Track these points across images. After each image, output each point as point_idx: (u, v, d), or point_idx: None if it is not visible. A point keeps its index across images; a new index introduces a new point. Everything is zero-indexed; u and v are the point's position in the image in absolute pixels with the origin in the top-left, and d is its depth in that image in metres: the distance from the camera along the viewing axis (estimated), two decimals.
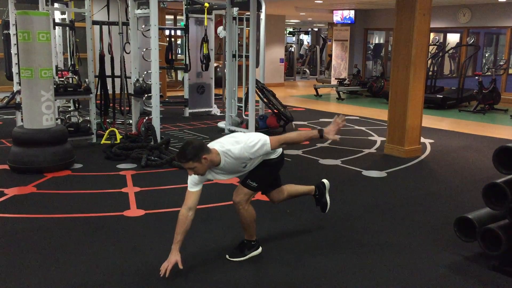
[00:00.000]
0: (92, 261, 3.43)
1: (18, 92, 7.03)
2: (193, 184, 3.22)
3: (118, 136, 7.05)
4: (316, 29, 26.77)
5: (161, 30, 9.22)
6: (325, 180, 3.99)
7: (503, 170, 3.37)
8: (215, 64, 12.39)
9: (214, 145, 3.19)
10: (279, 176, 3.66)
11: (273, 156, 3.39)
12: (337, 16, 15.42)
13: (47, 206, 4.52)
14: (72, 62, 8.06)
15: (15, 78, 7.32)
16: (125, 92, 7.85)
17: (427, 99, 9.98)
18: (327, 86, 15.24)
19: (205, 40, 8.76)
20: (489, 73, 11.66)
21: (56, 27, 7.89)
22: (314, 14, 16.71)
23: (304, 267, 3.40)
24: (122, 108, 8.05)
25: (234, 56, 8.48)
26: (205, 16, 8.61)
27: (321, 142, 7.31)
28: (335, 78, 15.43)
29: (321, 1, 13.03)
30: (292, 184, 3.83)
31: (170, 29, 11.48)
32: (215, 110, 10.45)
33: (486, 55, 16.86)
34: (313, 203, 4.76)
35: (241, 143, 3.15)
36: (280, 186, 3.69)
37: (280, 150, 3.44)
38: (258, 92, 8.11)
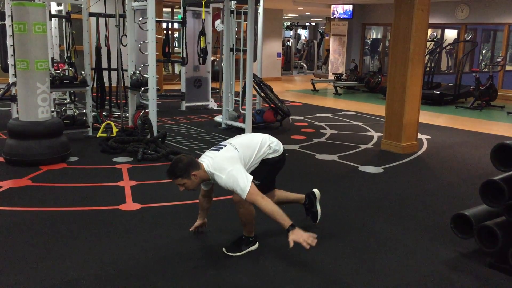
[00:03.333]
0: (88, 254, 3.41)
1: (14, 84, 6.97)
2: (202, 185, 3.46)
3: (114, 129, 7.02)
4: (313, 24, 26.70)
5: (158, 23, 9.16)
6: (315, 190, 3.96)
7: (501, 167, 3.36)
8: (212, 58, 12.34)
9: (204, 160, 3.26)
10: (274, 179, 3.66)
11: (275, 155, 3.44)
12: (339, 8, 15.36)
13: (43, 199, 4.49)
14: (68, 54, 8.02)
15: (11, 70, 7.26)
16: (122, 85, 7.81)
17: (424, 95, 9.98)
18: (324, 81, 15.24)
19: (202, 33, 8.72)
20: (486, 70, 11.66)
21: (52, 18, 7.83)
22: (311, 9, 16.67)
23: (300, 262, 3.39)
24: (119, 101, 8.01)
25: (231, 50, 8.44)
26: (203, 9, 8.56)
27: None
28: (332, 73, 15.41)
29: None
30: (283, 191, 3.82)
31: (167, 22, 11.39)
32: (212, 104, 10.42)
33: (484, 51, 16.86)
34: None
35: (225, 172, 3.11)
36: (272, 190, 3.67)
37: (281, 148, 3.50)
38: (255, 87, 8.08)
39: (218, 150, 3.31)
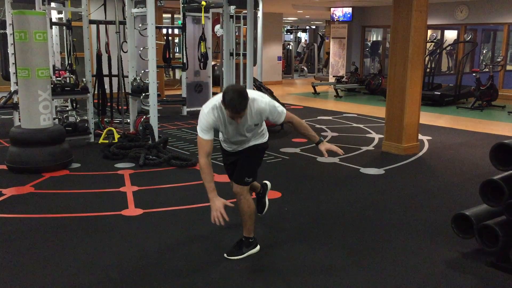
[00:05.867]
0: (90, 260, 3.43)
1: (16, 92, 7.02)
2: (205, 131, 3.17)
3: (116, 136, 7.04)
4: (313, 27, 26.76)
5: (158, 28, 9.21)
6: (267, 182, 4.03)
7: (500, 166, 3.38)
8: (213, 63, 12.39)
9: None
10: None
11: (265, 139, 3.49)
12: (338, 11, 15.40)
13: (45, 206, 4.52)
14: (69, 62, 8.05)
15: (12, 78, 7.31)
16: (123, 91, 7.84)
17: (425, 96, 10.00)
18: (325, 84, 15.25)
19: (202, 38, 8.76)
20: (487, 70, 11.67)
21: (53, 26, 7.87)
22: (311, 12, 16.71)
23: (302, 264, 3.41)
24: (120, 107, 8.04)
25: (231, 54, 8.48)
26: (202, 14, 8.60)
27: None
28: (333, 76, 15.44)
29: None
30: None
31: (167, 27, 11.45)
32: None
33: (484, 51, 16.87)
34: (312, 201, 4.78)
35: (266, 99, 3.22)
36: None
37: (267, 134, 3.52)
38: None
39: None
